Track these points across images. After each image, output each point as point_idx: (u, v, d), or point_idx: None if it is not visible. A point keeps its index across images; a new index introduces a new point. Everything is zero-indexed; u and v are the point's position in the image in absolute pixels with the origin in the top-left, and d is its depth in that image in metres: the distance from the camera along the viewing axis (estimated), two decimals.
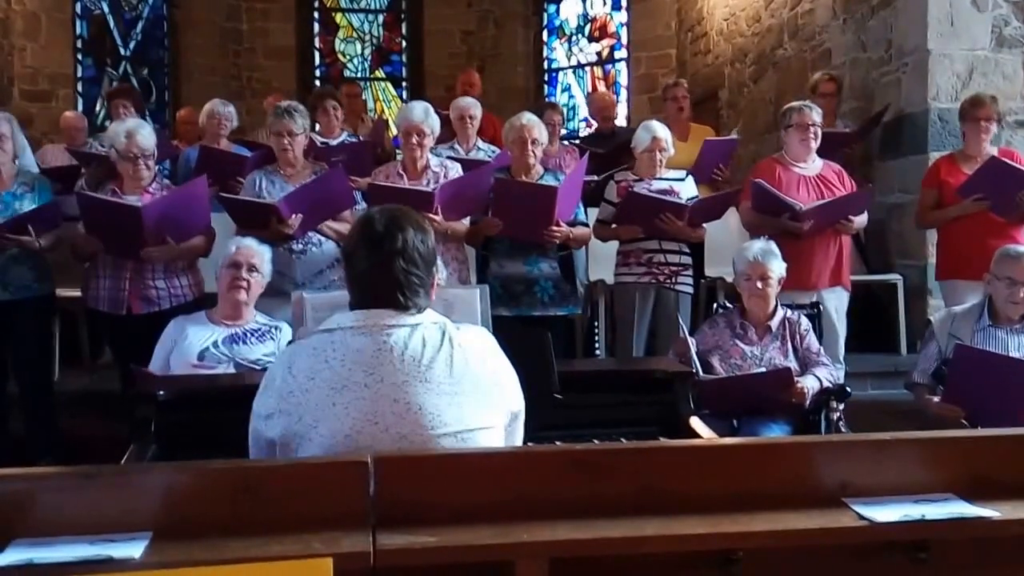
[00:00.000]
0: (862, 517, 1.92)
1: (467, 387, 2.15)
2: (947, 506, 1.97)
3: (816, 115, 5.09)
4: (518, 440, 2.38)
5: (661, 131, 5.15)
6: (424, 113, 4.83)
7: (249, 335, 3.93)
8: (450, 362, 2.14)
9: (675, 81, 7.18)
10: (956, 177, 5.20)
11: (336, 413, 2.09)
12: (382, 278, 2.18)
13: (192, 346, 3.83)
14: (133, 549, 1.72)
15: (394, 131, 6.97)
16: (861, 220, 5.13)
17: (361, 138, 6.88)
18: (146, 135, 4.58)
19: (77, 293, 5.55)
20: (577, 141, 8.17)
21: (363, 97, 9.27)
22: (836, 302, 5.11)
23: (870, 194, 5.28)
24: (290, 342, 2.90)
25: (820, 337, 4.49)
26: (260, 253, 4.06)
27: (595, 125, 9.19)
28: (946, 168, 5.31)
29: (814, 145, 5.11)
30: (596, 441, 2.87)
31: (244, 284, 3.96)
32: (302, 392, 2.13)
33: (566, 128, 10.00)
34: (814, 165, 5.16)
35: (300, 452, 2.13)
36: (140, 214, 4.31)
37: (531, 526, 1.85)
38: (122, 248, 4.51)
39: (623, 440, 2.91)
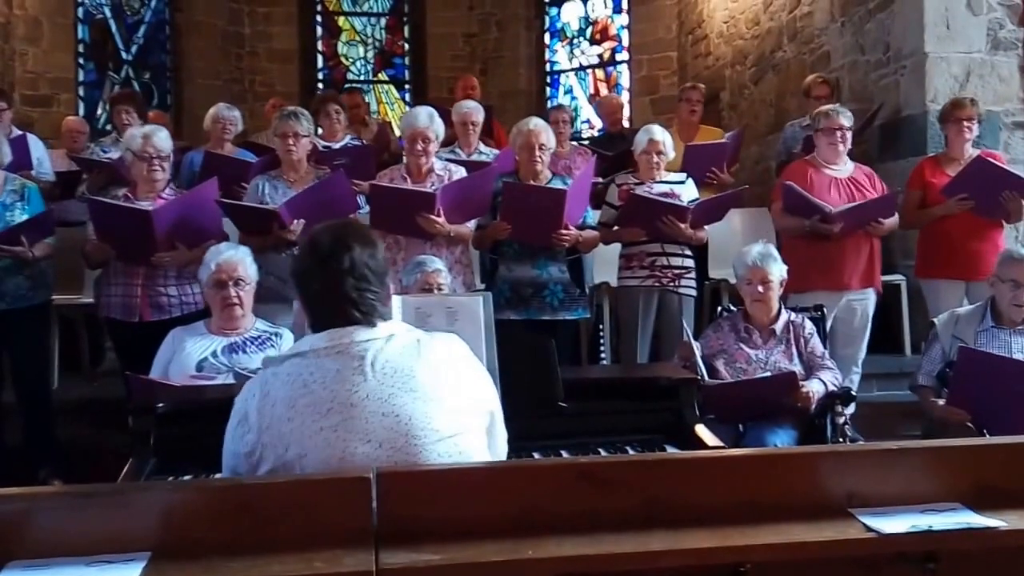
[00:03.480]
0: (869, 528, 1.90)
1: (449, 391, 2.13)
2: (954, 516, 1.94)
3: (845, 119, 5.10)
4: (501, 439, 2.34)
5: (659, 134, 5.15)
6: (429, 119, 4.81)
7: (248, 343, 3.86)
8: (430, 368, 2.11)
9: (693, 84, 7.19)
10: (940, 178, 5.27)
11: (326, 438, 2.02)
12: (335, 298, 2.12)
13: (190, 357, 3.76)
14: (131, 571, 1.69)
15: (399, 132, 6.96)
16: (892, 222, 5.16)
17: (364, 142, 6.85)
18: (163, 138, 4.62)
19: (77, 299, 5.55)
20: (585, 143, 8.13)
21: (366, 101, 9.21)
22: (865, 305, 5.14)
23: (895, 196, 5.29)
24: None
25: (824, 340, 4.47)
26: (240, 260, 3.92)
27: (598, 127, 9.17)
28: (930, 170, 5.39)
29: (843, 148, 5.14)
30: (602, 451, 2.85)
31: (236, 301, 3.86)
32: (285, 421, 2.05)
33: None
34: (845, 167, 5.18)
35: None
36: (151, 218, 4.30)
37: (537, 541, 1.82)
38: (134, 254, 4.47)
39: (629, 450, 2.88)
